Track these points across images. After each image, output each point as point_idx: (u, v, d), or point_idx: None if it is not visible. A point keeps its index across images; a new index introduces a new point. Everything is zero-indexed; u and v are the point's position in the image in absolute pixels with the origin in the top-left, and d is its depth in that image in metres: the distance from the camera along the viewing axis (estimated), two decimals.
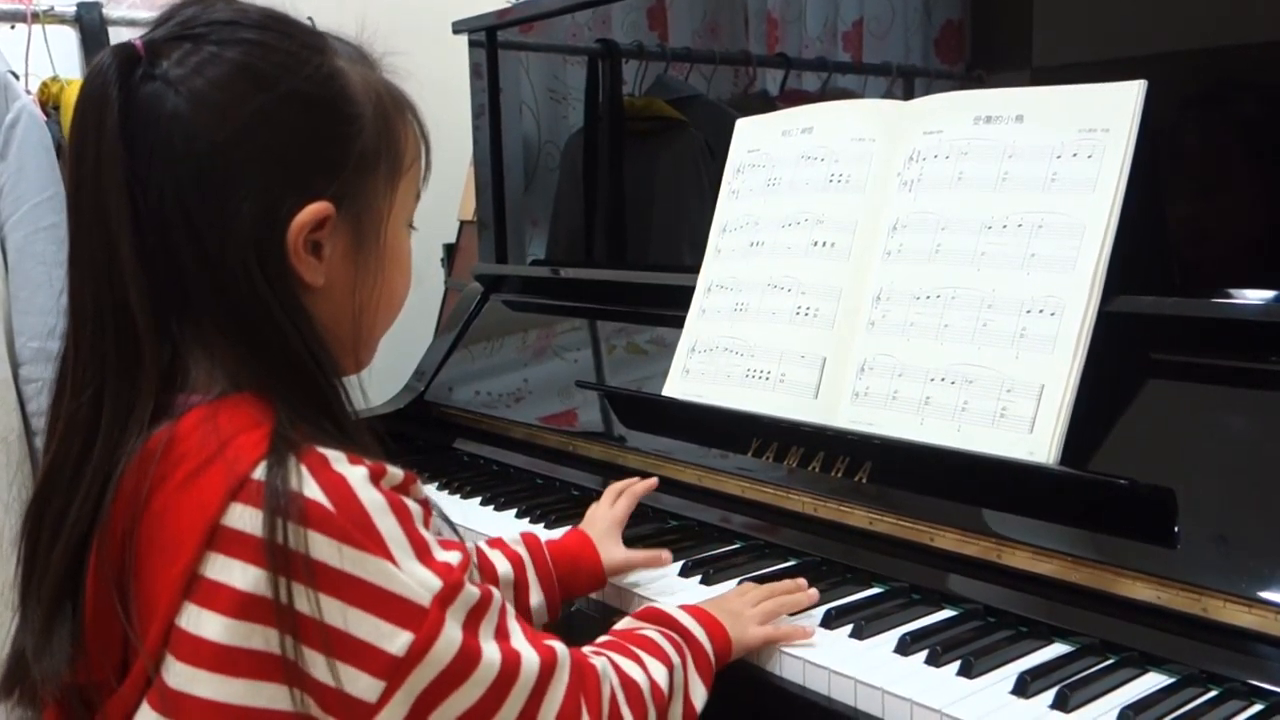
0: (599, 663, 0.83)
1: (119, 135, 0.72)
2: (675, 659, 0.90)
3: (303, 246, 0.75)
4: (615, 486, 1.24)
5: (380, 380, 1.53)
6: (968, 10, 1.35)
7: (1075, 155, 1.11)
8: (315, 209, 0.75)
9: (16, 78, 2.04)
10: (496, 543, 1.12)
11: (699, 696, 0.92)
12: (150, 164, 0.73)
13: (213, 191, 0.73)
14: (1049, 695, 0.89)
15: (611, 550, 1.15)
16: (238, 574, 0.68)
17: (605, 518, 1.18)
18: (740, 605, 1.02)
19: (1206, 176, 1.15)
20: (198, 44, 0.74)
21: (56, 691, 0.74)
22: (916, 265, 1.20)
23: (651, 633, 0.92)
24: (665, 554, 1.17)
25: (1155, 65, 1.12)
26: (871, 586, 1.12)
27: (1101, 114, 1.10)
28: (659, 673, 0.87)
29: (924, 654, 0.96)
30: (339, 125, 0.77)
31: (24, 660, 0.75)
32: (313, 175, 0.76)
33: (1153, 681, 0.91)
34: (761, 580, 1.11)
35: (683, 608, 0.98)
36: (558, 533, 1.19)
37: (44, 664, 0.73)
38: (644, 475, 1.41)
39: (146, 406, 0.73)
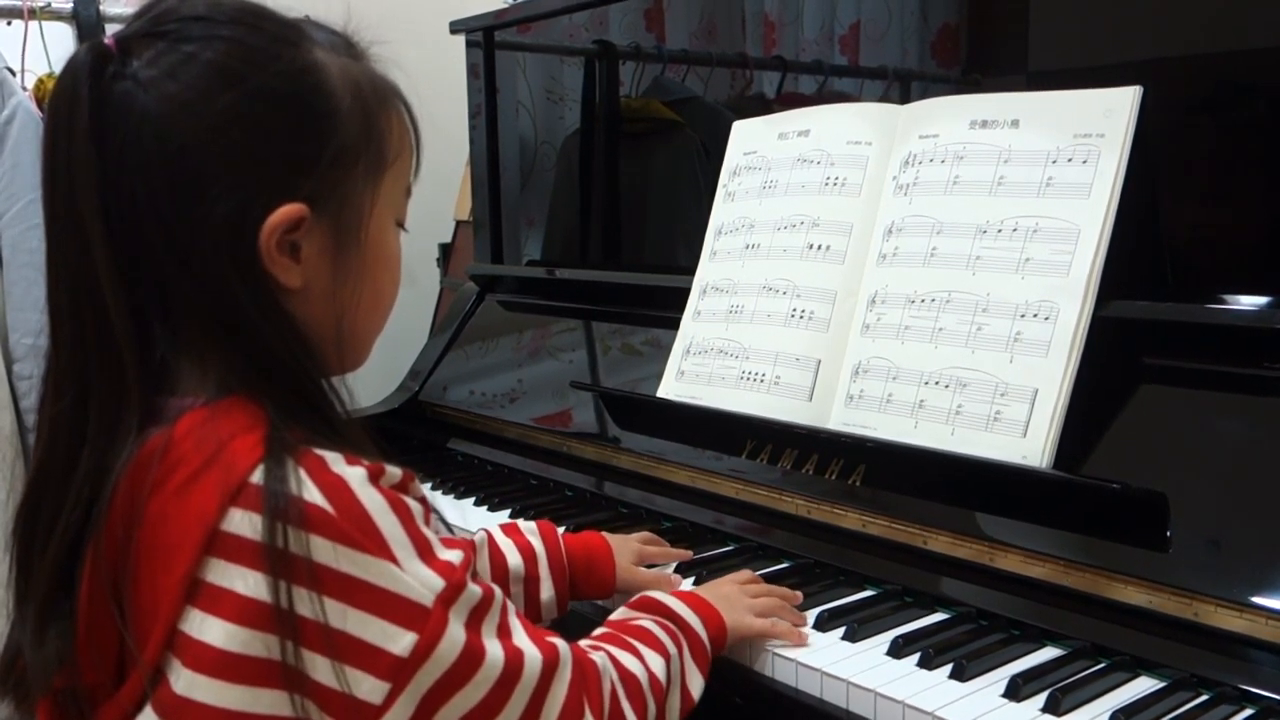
0: (598, 658, 0.82)
1: (89, 135, 0.70)
2: (672, 649, 0.90)
3: (276, 248, 0.73)
4: (654, 537, 1.22)
5: (375, 379, 1.53)
6: (964, 14, 1.36)
7: (1070, 160, 1.11)
8: (287, 210, 0.72)
9: (13, 74, 2.04)
10: (511, 529, 1.11)
11: (696, 686, 0.91)
12: (121, 165, 0.71)
13: (184, 194, 0.71)
14: (1040, 698, 0.89)
15: (628, 566, 1.13)
16: (239, 580, 0.67)
17: (633, 544, 1.16)
18: (736, 592, 1.02)
19: (1201, 182, 1.15)
20: (169, 42, 0.72)
21: (48, 692, 0.73)
22: (911, 269, 1.20)
23: (647, 623, 0.92)
24: (675, 577, 1.15)
25: (1151, 71, 1.12)
26: (864, 589, 1.13)
27: (1097, 119, 1.10)
28: (657, 664, 0.87)
29: (916, 656, 0.96)
30: (312, 121, 0.74)
31: (20, 658, 0.74)
32: (286, 174, 0.73)
33: (1144, 685, 0.92)
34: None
35: (677, 595, 0.98)
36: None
37: (37, 665, 0.72)
38: (637, 476, 1.41)
39: (134, 410, 0.71)
